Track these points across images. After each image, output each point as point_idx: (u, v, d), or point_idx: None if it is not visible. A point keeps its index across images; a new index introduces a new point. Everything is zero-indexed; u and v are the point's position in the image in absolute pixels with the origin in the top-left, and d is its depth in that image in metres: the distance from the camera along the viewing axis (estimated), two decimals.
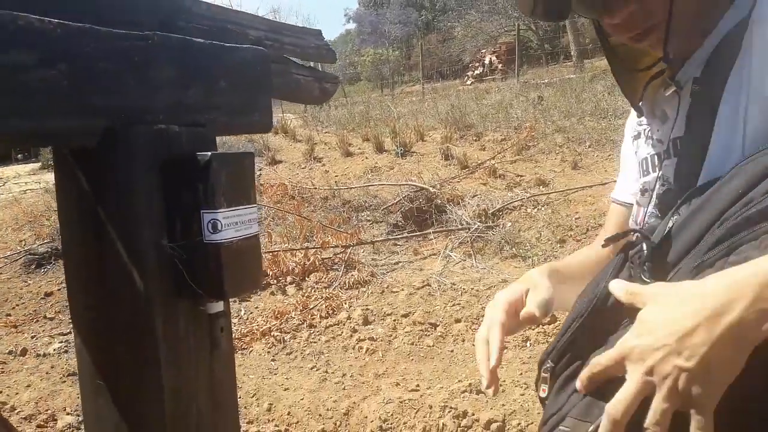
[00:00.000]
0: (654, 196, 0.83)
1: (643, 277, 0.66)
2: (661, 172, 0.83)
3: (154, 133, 0.85)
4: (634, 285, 0.64)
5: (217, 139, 1.03)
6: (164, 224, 0.85)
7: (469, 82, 22.79)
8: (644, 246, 0.69)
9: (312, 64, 1.80)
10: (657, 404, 0.55)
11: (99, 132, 0.79)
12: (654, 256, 0.67)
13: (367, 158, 7.83)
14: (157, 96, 0.87)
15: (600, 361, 0.61)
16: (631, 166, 0.96)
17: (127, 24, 0.97)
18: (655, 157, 0.86)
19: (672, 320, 0.56)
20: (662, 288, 0.61)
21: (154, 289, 0.85)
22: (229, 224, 0.85)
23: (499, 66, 23.47)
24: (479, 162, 6.95)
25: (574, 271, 0.96)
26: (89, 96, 0.77)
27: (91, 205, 0.85)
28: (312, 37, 1.72)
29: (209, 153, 0.84)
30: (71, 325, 3.52)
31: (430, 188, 5.89)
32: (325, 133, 9.95)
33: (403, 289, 4.53)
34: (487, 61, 25.13)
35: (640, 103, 0.88)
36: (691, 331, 0.54)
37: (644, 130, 0.91)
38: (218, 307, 0.91)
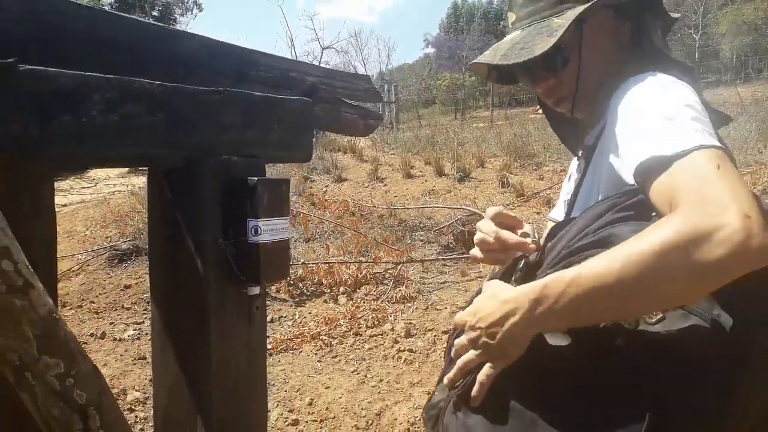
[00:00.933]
0: None
1: (513, 281, 0.93)
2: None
3: (220, 162, 1.18)
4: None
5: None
6: (221, 227, 1.18)
7: (540, 111, 22.64)
8: (523, 262, 0.96)
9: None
10: (467, 358, 0.89)
11: (181, 159, 1.13)
12: (529, 269, 0.93)
13: (426, 181, 8.13)
14: (225, 134, 1.21)
15: (454, 319, 0.93)
16: (561, 197, 1.23)
17: (211, 73, 1.32)
18: (566, 203, 1.13)
19: (488, 311, 0.85)
20: (494, 284, 0.90)
21: (212, 275, 1.18)
22: (267, 230, 1.17)
23: None
24: (535, 191, 7.11)
25: None
26: (177, 134, 1.11)
27: (171, 211, 1.19)
28: (361, 81, 2.06)
29: (256, 178, 1.16)
30: (145, 315, 4.00)
31: (482, 213, 6.10)
32: (391, 154, 10.34)
33: (446, 308, 4.77)
34: None
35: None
36: (495, 323, 0.83)
37: (570, 175, 1.18)
38: (256, 290, 1.22)
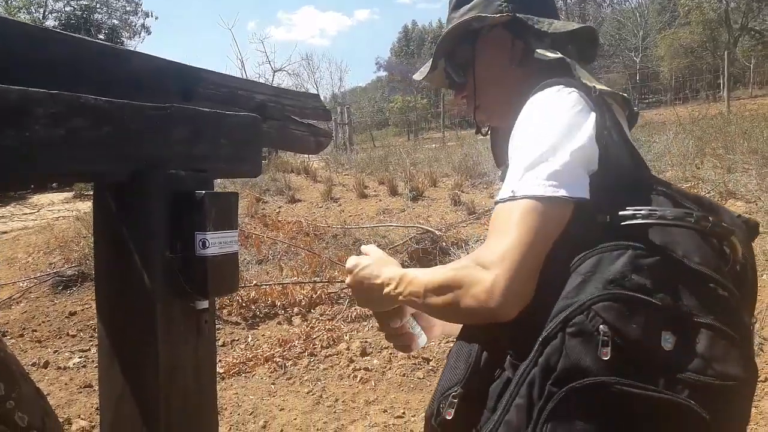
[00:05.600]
0: None
1: None
2: None
3: (167, 176, 1.19)
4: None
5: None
6: (168, 241, 1.18)
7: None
8: None
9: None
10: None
11: (129, 173, 1.13)
12: None
13: (380, 200, 8.20)
14: (173, 149, 1.22)
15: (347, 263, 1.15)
16: None
17: (158, 90, 1.33)
18: None
19: (366, 270, 1.10)
20: (374, 251, 1.16)
21: (158, 288, 1.18)
22: (215, 243, 1.18)
23: None
24: (486, 209, 7.26)
25: None
26: (124, 148, 1.11)
27: (118, 226, 1.19)
28: (310, 100, 2.09)
29: (204, 192, 1.17)
30: (91, 342, 3.89)
31: (436, 231, 6.20)
32: (345, 175, 10.38)
33: None
34: None
35: None
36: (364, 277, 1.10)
37: None
38: (204, 304, 1.23)
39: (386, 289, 1.04)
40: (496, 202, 0.93)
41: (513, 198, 0.89)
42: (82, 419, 3.48)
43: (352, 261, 1.15)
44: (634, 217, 0.84)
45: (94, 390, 3.97)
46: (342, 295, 5.34)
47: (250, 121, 1.43)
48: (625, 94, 1.04)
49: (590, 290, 0.79)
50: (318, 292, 5.30)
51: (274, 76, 28.57)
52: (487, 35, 1.15)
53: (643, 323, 0.77)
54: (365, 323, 4.90)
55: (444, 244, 6.05)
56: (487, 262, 0.85)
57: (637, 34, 34.82)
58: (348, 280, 1.15)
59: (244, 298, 5.19)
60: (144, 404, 1.17)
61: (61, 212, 9.75)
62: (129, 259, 1.18)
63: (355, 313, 4.99)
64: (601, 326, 0.76)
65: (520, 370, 0.82)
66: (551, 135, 0.91)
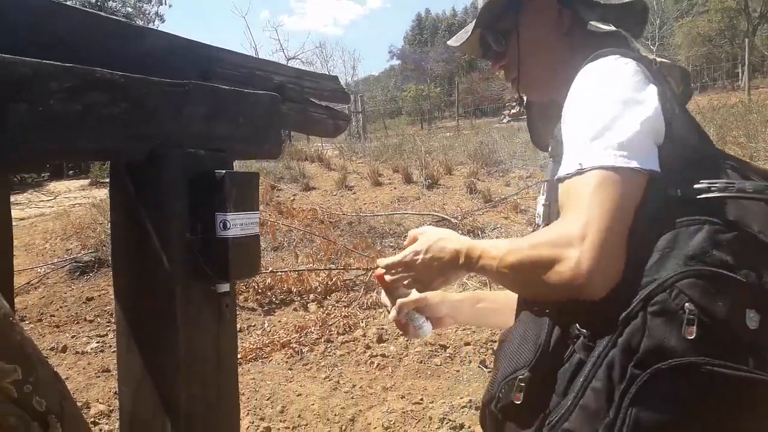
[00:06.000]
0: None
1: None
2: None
3: (186, 155, 1.15)
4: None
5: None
6: (188, 222, 1.15)
7: (505, 120, 23.03)
8: None
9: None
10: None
11: (146, 152, 1.10)
12: None
13: (395, 188, 8.14)
14: (190, 128, 1.18)
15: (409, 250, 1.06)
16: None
17: (174, 71, 1.29)
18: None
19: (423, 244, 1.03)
20: (428, 230, 1.09)
21: (178, 271, 1.14)
22: (236, 224, 1.14)
23: None
24: (503, 197, 7.19)
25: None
26: (141, 125, 1.08)
27: (135, 206, 1.16)
28: (329, 82, 2.04)
29: (224, 171, 1.13)
30: (108, 327, 3.89)
31: (452, 219, 6.14)
32: (359, 163, 10.33)
33: None
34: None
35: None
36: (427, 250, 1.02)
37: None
38: (225, 287, 1.19)
39: (459, 261, 0.97)
40: (560, 178, 0.87)
41: (581, 171, 0.83)
42: (100, 403, 3.49)
43: (415, 247, 1.06)
44: (709, 190, 0.79)
45: (112, 374, 3.99)
46: (357, 282, 5.31)
47: (269, 100, 1.39)
48: (686, 67, 0.98)
49: (671, 267, 0.75)
50: (333, 279, 5.28)
51: (288, 64, 28.49)
52: (533, 2, 1.08)
53: (729, 301, 0.73)
54: (381, 310, 4.87)
55: (460, 231, 5.99)
56: (571, 238, 0.79)
57: (654, 22, 34.23)
58: (417, 261, 1.05)
59: (260, 284, 5.18)
60: (163, 390, 1.14)
61: (78, 199, 9.83)
62: (147, 241, 1.14)
63: (370, 300, 4.96)
64: (686, 304, 0.72)
65: (596, 351, 0.77)
66: (614, 103, 0.85)
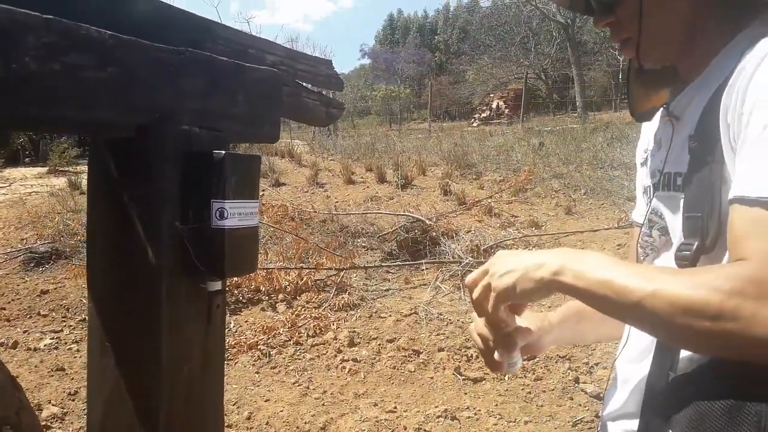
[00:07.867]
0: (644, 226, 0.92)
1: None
2: (651, 206, 0.90)
3: (179, 132, 1.00)
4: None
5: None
6: (179, 209, 1.00)
7: (475, 124, 23.21)
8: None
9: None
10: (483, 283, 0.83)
11: (135, 126, 0.94)
12: None
13: (368, 187, 8.01)
14: (185, 101, 1.03)
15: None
16: (639, 190, 1.03)
17: (162, 41, 1.13)
18: (650, 188, 0.92)
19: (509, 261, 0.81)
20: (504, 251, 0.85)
21: (165, 265, 0.99)
22: (234, 213, 1.00)
23: (506, 111, 23.93)
24: (476, 199, 7.13)
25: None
26: (131, 95, 0.92)
27: (117, 188, 1.00)
28: (323, 66, 1.90)
29: (223, 152, 0.99)
30: (63, 323, 3.64)
31: (426, 220, 6.04)
32: (330, 160, 10.16)
33: (390, 315, 4.64)
34: (494, 105, 25.61)
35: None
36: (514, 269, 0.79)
37: (647, 157, 0.97)
38: (217, 285, 1.05)
39: (558, 276, 0.75)
40: (739, 199, 0.68)
41: None
42: (53, 405, 3.26)
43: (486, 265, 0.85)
44: None
45: (66, 374, 3.75)
46: (329, 282, 5.16)
47: (270, 76, 1.24)
48: None
49: None
50: (304, 279, 5.11)
51: None
52: None
53: None
54: (353, 312, 4.74)
55: (434, 233, 5.90)
56: (755, 287, 0.61)
57: None
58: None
59: (227, 281, 4.98)
60: (142, 404, 0.99)
61: (35, 187, 9.37)
62: (130, 229, 0.99)
63: (342, 302, 4.82)
64: None
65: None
66: None
